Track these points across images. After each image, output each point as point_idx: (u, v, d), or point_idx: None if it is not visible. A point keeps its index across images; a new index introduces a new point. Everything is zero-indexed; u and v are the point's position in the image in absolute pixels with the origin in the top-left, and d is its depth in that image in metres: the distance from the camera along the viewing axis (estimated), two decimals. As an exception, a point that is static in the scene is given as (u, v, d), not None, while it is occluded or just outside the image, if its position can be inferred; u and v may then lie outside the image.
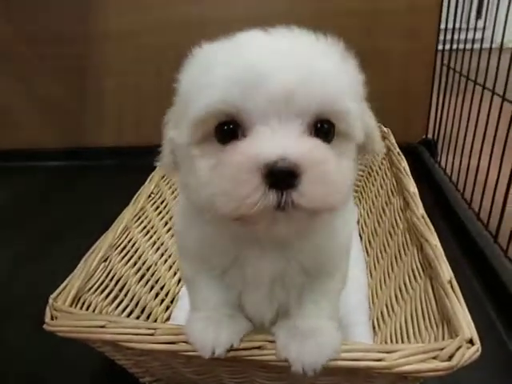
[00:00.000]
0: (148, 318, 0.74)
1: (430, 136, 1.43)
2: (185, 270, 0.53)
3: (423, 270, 0.63)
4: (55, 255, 1.04)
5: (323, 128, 0.35)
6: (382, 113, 1.50)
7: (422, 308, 0.59)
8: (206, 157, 0.36)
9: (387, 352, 0.45)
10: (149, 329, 0.49)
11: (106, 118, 1.54)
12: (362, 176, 1.12)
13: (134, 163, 1.42)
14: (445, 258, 0.58)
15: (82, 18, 1.40)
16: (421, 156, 1.38)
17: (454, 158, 1.22)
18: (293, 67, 0.34)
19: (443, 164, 1.31)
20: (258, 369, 0.51)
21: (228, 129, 0.35)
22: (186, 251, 0.51)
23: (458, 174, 1.19)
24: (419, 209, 0.71)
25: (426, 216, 0.69)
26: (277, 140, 0.32)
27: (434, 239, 0.62)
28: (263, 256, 0.44)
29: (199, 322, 0.47)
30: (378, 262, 0.84)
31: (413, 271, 0.65)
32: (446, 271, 0.55)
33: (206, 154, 0.36)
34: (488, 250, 0.94)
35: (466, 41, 1.18)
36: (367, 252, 0.92)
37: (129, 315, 0.69)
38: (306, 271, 0.46)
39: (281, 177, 0.31)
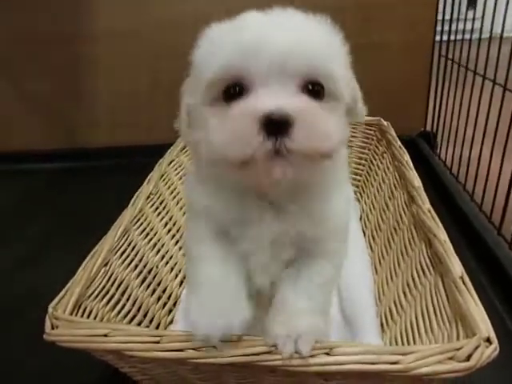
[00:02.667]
0: (151, 322, 0.72)
1: (428, 128, 1.42)
2: (191, 231, 0.53)
3: (433, 266, 0.61)
4: (54, 258, 1.02)
5: (314, 88, 0.40)
6: (380, 106, 1.49)
7: (433, 305, 0.57)
8: (215, 115, 0.41)
9: (402, 354, 0.43)
10: (154, 336, 0.47)
11: (99, 118, 1.51)
12: (363, 171, 1.10)
13: (129, 163, 1.41)
14: (454, 254, 0.57)
15: (75, 17, 1.38)
16: (420, 148, 1.37)
17: (454, 150, 1.21)
18: (287, 36, 0.39)
19: (443, 156, 1.30)
20: (267, 373, 0.50)
21: (233, 91, 0.40)
22: (193, 208, 0.53)
23: (459, 166, 1.18)
24: (425, 203, 0.69)
25: (432, 210, 0.67)
26: (273, 96, 0.38)
27: (442, 234, 0.61)
28: (263, 219, 0.47)
29: (203, 309, 0.46)
30: (383, 257, 0.83)
31: (421, 267, 0.64)
32: (457, 267, 0.54)
33: (215, 113, 0.41)
34: (492, 242, 0.93)
35: (464, 31, 1.16)
36: (371, 248, 0.91)
37: (131, 320, 0.68)
38: (303, 238, 0.48)
39: (276, 125, 0.36)
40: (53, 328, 0.50)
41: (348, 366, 0.43)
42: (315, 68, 0.40)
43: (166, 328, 0.75)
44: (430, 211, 0.67)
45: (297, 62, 0.39)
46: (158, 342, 0.46)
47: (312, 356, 0.44)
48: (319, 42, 0.41)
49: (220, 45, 0.41)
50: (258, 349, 0.45)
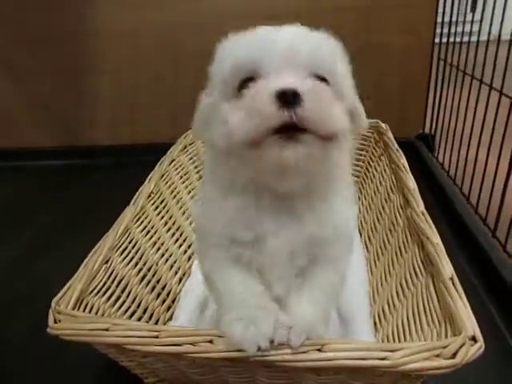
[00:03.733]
0: (150, 318, 0.74)
1: (427, 131, 1.44)
2: (206, 261, 0.55)
3: (424, 268, 0.63)
4: (54, 255, 1.04)
5: (320, 79, 0.43)
6: (379, 108, 1.51)
7: (423, 305, 0.59)
8: (232, 106, 0.43)
9: (391, 350, 0.45)
10: (153, 331, 0.49)
11: (100, 116, 1.53)
12: (360, 172, 1.12)
13: (129, 162, 1.43)
14: (446, 256, 0.59)
15: (76, 16, 1.39)
16: (418, 151, 1.39)
17: (451, 153, 1.23)
18: (295, 34, 0.44)
19: (441, 158, 1.31)
20: (261, 368, 0.51)
21: (248, 82, 0.43)
22: (202, 232, 0.55)
23: (456, 169, 1.19)
24: (419, 206, 0.71)
25: (426, 213, 0.69)
26: (285, 78, 0.41)
27: (434, 237, 0.62)
28: (280, 228, 0.49)
29: (236, 323, 0.47)
30: (379, 258, 0.84)
31: (414, 268, 0.66)
32: (447, 268, 0.56)
33: (232, 105, 0.43)
34: (486, 245, 0.94)
35: (462, 34, 1.17)
36: (367, 248, 0.92)
37: (131, 316, 0.69)
38: (314, 241, 0.50)
39: (289, 97, 0.39)
40: (56, 322, 0.52)
41: (339, 362, 0.45)
42: (321, 61, 0.43)
43: (165, 324, 0.77)
44: (423, 214, 0.69)
45: (305, 55, 0.43)
46: (156, 337, 0.48)
47: (304, 352, 0.46)
48: (324, 42, 0.46)
49: (236, 47, 0.45)
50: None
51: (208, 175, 0.55)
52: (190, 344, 0.47)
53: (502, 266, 0.87)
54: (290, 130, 0.40)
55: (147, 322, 0.73)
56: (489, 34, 1.01)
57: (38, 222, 1.20)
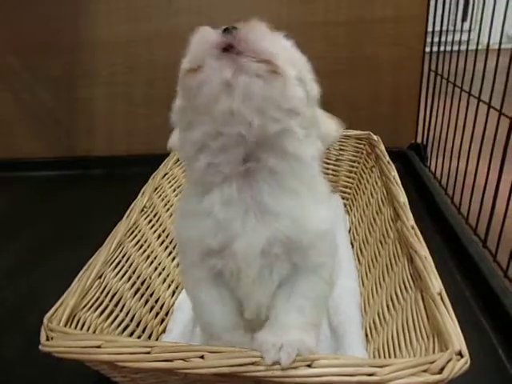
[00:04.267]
0: (143, 331, 0.74)
1: (419, 141, 1.45)
2: (187, 281, 0.58)
3: (413, 282, 0.64)
4: (45, 268, 1.04)
5: None
6: (371, 118, 1.52)
7: (412, 319, 0.60)
8: None
9: (379, 366, 0.46)
10: (145, 347, 0.49)
11: (95, 127, 1.54)
12: (352, 184, 1.13)
13: (124, 172, 1.44)
14: (435, 270, 0.59)
15: (72, 27, 1.41)
16: (410, 161, 1.40)
17: (443, 163, 1.24)
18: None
19: (433, 168, 1.33)
20: (252, 383, 0.52)
21: None
22: (181, 243, 0.57)
23: (448, 179, 1.21)
24: (409, 220, 0.72)
25: (416, 227, 0.70)
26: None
27: (423, 251, 0.63)
28: (247, 228, 0.48)
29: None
30: (370, 271, 0.85)
31: (403, 282, 0.67)
32: (435, 283, 0.57)
33: None
34: (477, 255, 0.95)
35: (452, 43, 1.19)
36: (359, 260, 0.93)
37: (124, 330, 0.70)
38: (289, 245, 0.50)
39: (228, 28, 0.42)
40: (48, 339, 0.53)
41: (328, 378, 0.46)
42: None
43: (158, 337, 0.77)
44: (413, 228, 0.70)
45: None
46: (148, 353, 0.49)
47: (294, 368, 0.47)
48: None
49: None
50: (243, 360, 0.47)
51: (187, 179, 0.57)
52: (182, 360, 0.48)
53: (491, 276, 0.88)
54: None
55: (140, 335, 0.73)
56: (477, 43, 1.03)
57: (30, 233, 1.20)
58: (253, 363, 0.47)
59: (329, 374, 0.46)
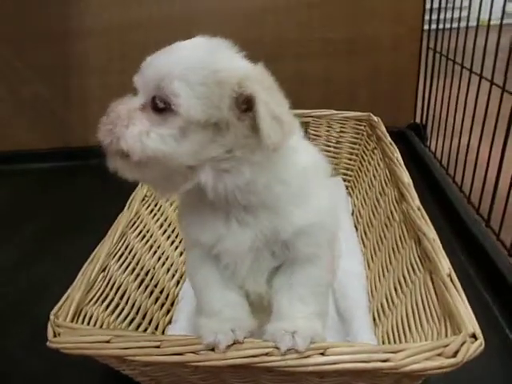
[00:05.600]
0: (150, 323, 0.74)
1: (418, 120, 1.44)
2: (189, 259, 0.58)
3: (422, 264, 0.63)
4: (47, 261, 1.02)
5: (156, 103, 0.45)
6: (370, 98, 1.50)
7: (422, 302, 0.60)
8: None
9: (393, 352, 0.45)
10: (155, 341, 0.48)
11: (91, 116, 1.50)
12: (354, 166, 1.12)
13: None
14: (443, 252, 0.59)
15: (63, 15, 1.36)
16: (410, 140, 1.39)
17: (443, 142, 1.23)
18: (155, 60, 0.47)
19: (433, 148, 1.31)
20: (265, 372, 0.52)
21: None
22: (184, 236, 0.60)
23: (449, 158, 1.20)
24: (415, 200, 0.71)
25: (422, 208, 0.69)
26: (126, 103, 0.48)
27: (431, 232, 0.63)
28: (232, 230, 0.50)
29: (209, 333, 0.48)
30: (376, 253, 0.85)
31: (411, 265, 0.66)
32: (445, 265, 0.56)
33: None
34: (480, 234, 0.95)
35: (452, 20, 1.16)
36: (363, 243, 0.93)
37: (130, 323, 0.69)
38: (276, 240, 0.51)
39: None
40: (55, 335, 0.52)
41: (342, 365, 0.45)
42: (159, 87, 0.45)
43: (164, 328, 0.76)
44: (419, 209, 0.69)
45: (148, 81, 0.47)
46: (158, 347, 0.48)
47: (308, 356, 0.46)
48: (167, 63, 0.46)
49: None
50: (256, 351, 0.47)
51: None
52: (192, 353, 0.47)
53: (496, 254, 0.88)
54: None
55: (147, 328, 0.73)
56: (478, 20, 1.00)
57: (30, 225, 1.18)
58: (266, 354, 0.47)
59: (343, 361, 0.45)
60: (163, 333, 0.75)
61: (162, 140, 0.45)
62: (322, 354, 0.46)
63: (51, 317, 0.54)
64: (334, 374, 0.48)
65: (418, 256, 0.65)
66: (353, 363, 0.45)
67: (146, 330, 0.72)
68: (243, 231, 0.50)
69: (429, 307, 0.58)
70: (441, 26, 1.21)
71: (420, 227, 0.65)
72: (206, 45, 0.48)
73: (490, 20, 0.94)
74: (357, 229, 0.99)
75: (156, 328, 0.75)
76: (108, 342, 0.49)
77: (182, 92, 0.44)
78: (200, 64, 0.45)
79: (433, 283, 0.58)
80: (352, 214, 1.04)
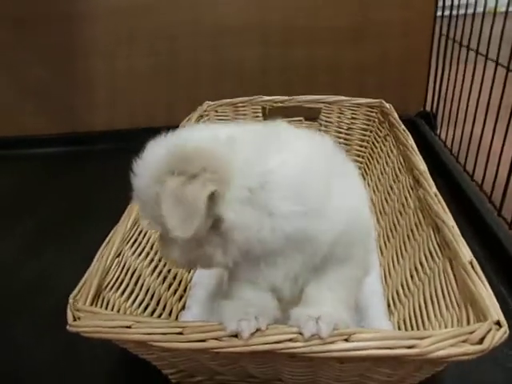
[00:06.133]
0: (164, 309, 0.74)
1: (428, 108, 1.42)
2: None
3: (441, 251, 0.63)
4: (56, 247, 1.01)
5: None
6: (379, 85, 1.48)
7: (442, 289, 0.59)
8: None
9: (418, 338, 0.45)
10: (177, 327, 0.48)
11: (97, 101, 1.49)
12: (365, 153, 1.11)
13: (129, 147, 1.39)
14: (463, 239, 0.58)
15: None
16: (420, 129, 1.38)
17: (454, 131, 1.22)
18: None
19: (443, 136, 1.30)
20: (286, 358, 0.51)
21: None
22: None
23: (460, 146, 1.18)
24: (432, 187, 0.71)
25: (438, 195, 0.69)
26: None
27: (449, 219, 0.62)
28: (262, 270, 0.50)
29: (231, 319, 0.48)
30: (389, 240, 0.84)
31: (430, 252, 0.65)
32: (466, 252, 0.55)
33: None
34: (492, 222, 0.94)
35: (467, 5, 1.14)
36: (376, 230, 0.92)
37: (145, 309, 0.69)
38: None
39: None
40: (75, 319, 0.51)
41: (366, 352, 0.45)
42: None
43: (178, 314, 0.76)
44: (436, 195, 0.68)
45: None
46: (181, 333, 0.48)
47: (331, 342, 0.46)
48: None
49: None
50: (280, 337, 0.46)
51: None
52: (215, 339, 0.47)
53: (508, 243, 0.87)
54: None
55: (161, 313, 0.72)
56: (496, 5, 0.98)
57: (39, 212, 1.18)
58: (290, 339, 0.46)
59: (367, 347, 0.45)
60: (176, 319, 0.74)
61: None
62: (346, 340, 0.46)
63: (70, 300, 0.53)
64: (356, 359, 0.48)
65: (437, 243, 0.64)
66: (378, 349, 0.45)
67: (160, 315, 0.72)
68: (274, 272, 0.50)
69: (448, 294, 0.57)
70: (454, 13, 1.19)
71: (438, 214, 0.64)
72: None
73: (508, 5, 0.92)
74: (369, 216, 0.98)
75: (170, 314, 0.75)
76: (129, 327, 0.49)
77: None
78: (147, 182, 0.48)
79: (453, 270, 0.58)
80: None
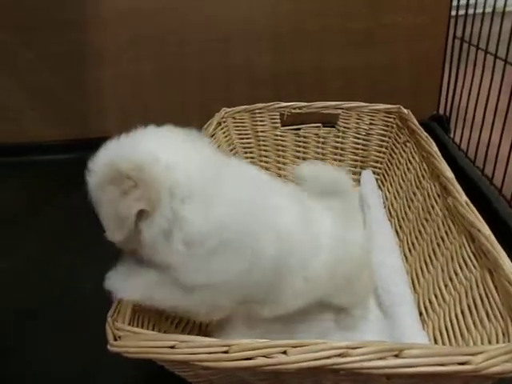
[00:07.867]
0: (193, 324, 0.73)
1: (441, 111, 1.42)
2: None
3: (477, 260, 0.62)
4: (70, 256, 1.00)
5: None
6: (392, 89, 1.47)
7: (481, 299, 0.58)
8: None
9: (471, 354, 0.44)
10: (222, 346, 0.47)
11: (107, 106, 1.48)
12: (383, 159, 1.10)
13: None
14: (501, 249, 0.58)
15: (78, 2, 1.33)
16: (433, 132, 1.37)
17: (470, 134, 1.21)
18: None
19: (457, 140, 1.30)
20: (331, 373, 0.51)
21: None
22: None
23: (477, 150, 1.18)
24: (462, 195, 0.70)
25: (470, 203, 0.68)
26: None
27: (485, 228, 0.62)
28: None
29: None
30: (415, 247, 0.84)
31: (464, 261, 0.65)
32: (507, 263, 0.55)
33: None
34: (514, 227, 0.94)
35: (484, 5, 1.12)
36: (398, 237, 0.91)
37: (177, 325, 0.68)
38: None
39: None
40: (115, 339, 0.51)
41: (418, 369, 0.44)
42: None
43: (207, 329, 0.75)
44: (467, 204, 0.68)
45: None
46: (226, 352, 0.47)
47: (382, 358, 0.45)
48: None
49: None
50: (329, 352, 0.45)
51: None
52: (264, 356, 0.46)
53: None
54: None
55: (192, 328, 0.71)
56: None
57: (49, 219, 1.16)
58: (339, 355, 0.45)
59: (419, 364, 0.44)
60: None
61: None
62: (397, 355, 0.45)
63: (109, 319, 0.53)
64: (407, 376, 0.47)
65: (472, 252, 0.64)
66: (429, 366, 0.44)
67: (190, 331, 0.71)
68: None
69: (490, 305, 0.57)
70: (471, 12, 1.18)
71: (473, 223, 0.64)
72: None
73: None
74: (390, 222, 0.97)
75: (200, 328, 0.74)
76: (173, 347, 0.48)
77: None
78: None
79: (493, 281, 0.57)
80: (384, 206, 1.02)
